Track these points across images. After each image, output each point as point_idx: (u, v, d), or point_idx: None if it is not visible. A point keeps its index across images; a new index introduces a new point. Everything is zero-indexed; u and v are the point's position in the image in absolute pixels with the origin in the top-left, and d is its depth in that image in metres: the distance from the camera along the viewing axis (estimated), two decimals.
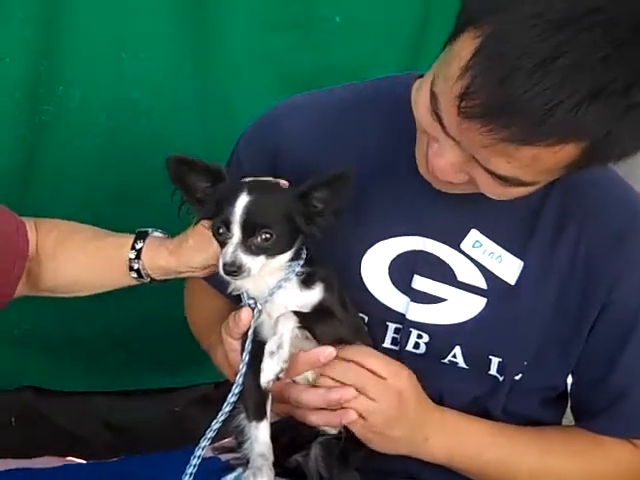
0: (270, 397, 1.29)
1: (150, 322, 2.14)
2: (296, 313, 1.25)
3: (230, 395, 1.27)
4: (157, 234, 1.44)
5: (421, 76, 1.38)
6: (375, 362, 1.30)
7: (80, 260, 1.46)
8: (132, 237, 1.43)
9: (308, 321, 1.25)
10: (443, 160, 1.19)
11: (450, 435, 1.36)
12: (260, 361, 1.24)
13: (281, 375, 1.21)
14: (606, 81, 1.03)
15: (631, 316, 1.34)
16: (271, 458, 1.27)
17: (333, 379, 1.28)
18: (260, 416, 1.28)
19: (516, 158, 1.09)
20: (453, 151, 1.17)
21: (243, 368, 1.27)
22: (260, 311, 1.28)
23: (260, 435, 1.28)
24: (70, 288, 1.51)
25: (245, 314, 1.28)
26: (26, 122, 1.93)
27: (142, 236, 1.42)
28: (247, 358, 1.27)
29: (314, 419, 1.31)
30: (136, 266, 1.41)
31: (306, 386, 1.30)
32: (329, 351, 1.26)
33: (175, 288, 1.61)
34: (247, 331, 1.28)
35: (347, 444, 1.34)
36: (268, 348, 1.21)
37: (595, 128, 1.05)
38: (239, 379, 1.27)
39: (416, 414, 1.33)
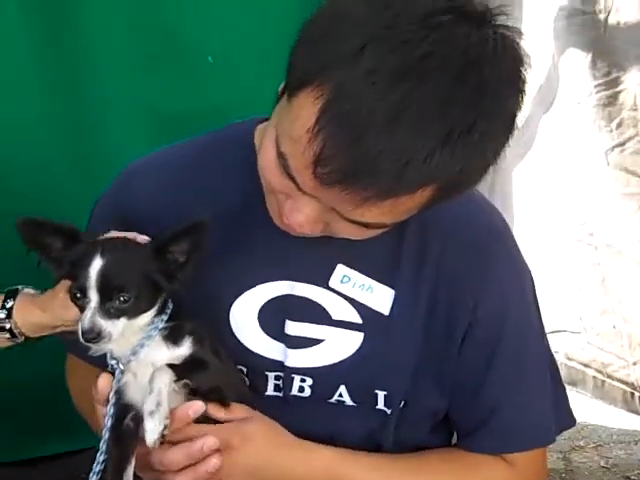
0: (132, 463, 1.23)
1: (36, 387, 2.07)
2: (171, 366, 1.21)
3: (95, 464, 1.22)
4: (28, 290, 1.38)
5: (263, 120, 1.36)
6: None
7: None
8: (1, 297, 1.36)
9: (183, 373, 1.22)
10: (301, 215, 1.17)
11: (321, 478, 1.32)
12: (125, 425, 1.21)
13: (165, 432, 1.17)
14: (452, 125, 1.04)
15: (496, 332, 1.35)
16: None
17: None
18: None
19: (377, 207, 1.10)
20: (310, 205, 1.15)
21: (106, 434, 1.22)
22: (122, 371, 1.24)
23: None
24: None
25: (101, 382, 1.23)
26: None
27: (12, 294, 1.36)
28: (109, 423, 1.22)
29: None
30: (7, 326, 1.34)
31: (168, 446, 1.24)
32: (199, 404, 1.22)
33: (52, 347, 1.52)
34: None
35: None
36: (147, 408, 1.17)
37: (449, 169, 1.07)
38: (102, 446, 1.22)
39: (268, 465, 1.29)
